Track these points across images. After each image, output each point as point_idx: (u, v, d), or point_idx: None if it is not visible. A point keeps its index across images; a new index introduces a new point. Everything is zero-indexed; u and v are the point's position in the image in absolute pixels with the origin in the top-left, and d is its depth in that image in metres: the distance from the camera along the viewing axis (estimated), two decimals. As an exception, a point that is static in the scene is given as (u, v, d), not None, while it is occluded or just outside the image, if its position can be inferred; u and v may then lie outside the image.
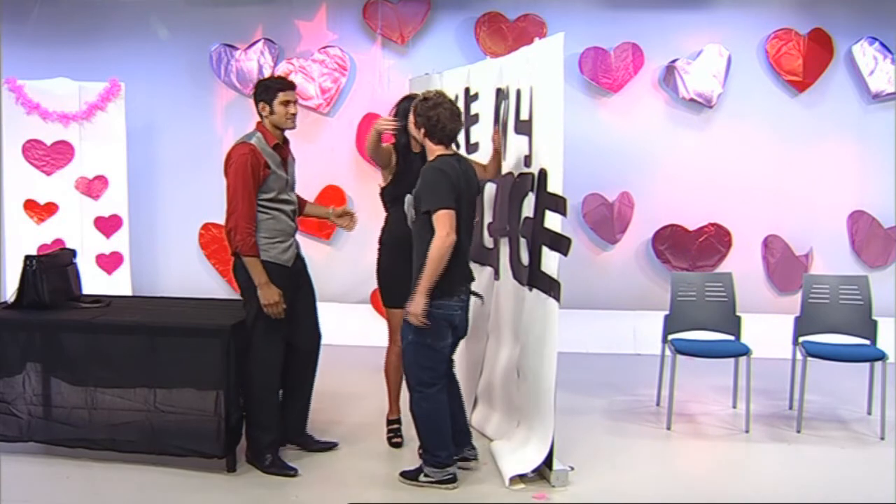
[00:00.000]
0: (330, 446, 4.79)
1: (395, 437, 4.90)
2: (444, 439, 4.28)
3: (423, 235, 4.10)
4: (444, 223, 4.00)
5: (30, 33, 7.74)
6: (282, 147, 4.47)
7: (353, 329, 7.03)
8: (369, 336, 6.58)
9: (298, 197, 4.66)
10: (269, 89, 4.35)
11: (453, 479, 4.27)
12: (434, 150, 4.21)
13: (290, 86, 4.40)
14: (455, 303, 4.18)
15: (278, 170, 4.37)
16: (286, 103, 4.32)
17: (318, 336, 4.72)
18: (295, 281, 4.52)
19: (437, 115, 4.15)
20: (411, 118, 4.26)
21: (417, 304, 4.03)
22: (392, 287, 4.66)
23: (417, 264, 4.13)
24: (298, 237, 4.63)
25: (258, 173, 4.26)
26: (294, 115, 4.37)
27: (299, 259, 4.58)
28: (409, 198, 4.21)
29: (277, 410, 4.56)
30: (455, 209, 4.03)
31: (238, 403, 4.43)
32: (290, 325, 4.46)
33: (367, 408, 5.41)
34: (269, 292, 4.27)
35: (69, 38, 7.72)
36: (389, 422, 4.96)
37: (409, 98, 4.71)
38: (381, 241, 4.76)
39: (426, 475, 4.29)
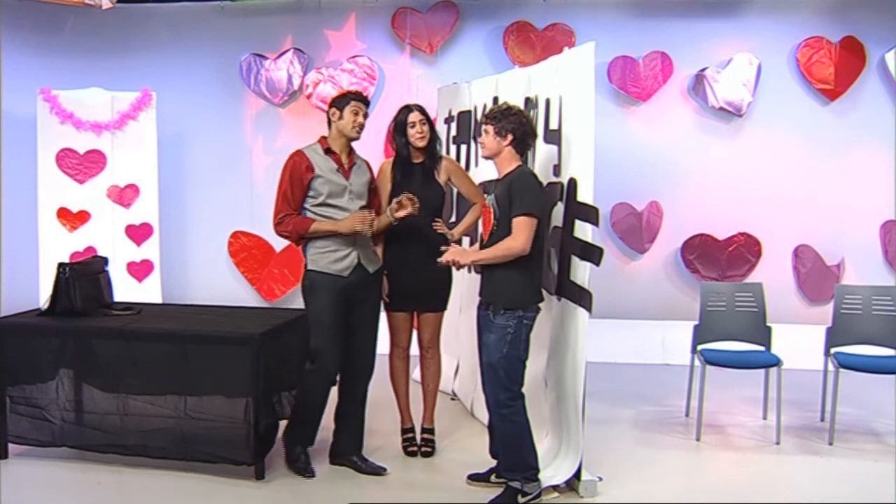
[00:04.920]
0: (379, 471, 4.59)
1: (410, 447, 4.87)
2: (534, 445, 4.16)
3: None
4: (527, 231, 3.92)
5: (64, 44, 7.88)
6: (338, 154, 4.49)
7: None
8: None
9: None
10: (345, 97, 4.51)
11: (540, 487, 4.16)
12: (511, 161, 4.11)
13: (365, 100, 4.52)
14: (534, 315, 4.13)
15: (331, 174, 4.44)
16: (356, 112, 4.45)
17: (367, 359, 4.62)
18: (353, 293, 4.46)
19: (528, 122, 4.13)
20: (488, 128, 4.09)
21: (469, 256, 4.12)
22: (392, 292, 4.70)
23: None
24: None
25: (300, 175, 4.41)
26: (361, 125, 4.47)
27: (361, 270, 4.48)
28: (489, 199, 4.15)
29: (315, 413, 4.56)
30: (539, 219, 3.98)
31: (269, 411, 4.46)
32: (347, 340, 4.49)
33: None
34: (348, 224, 4.35)
35: (102, 48, 7.84)
36: (404, 430, 4.94)
37: (406, 108, 4.71)
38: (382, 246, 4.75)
39: (524, 493, 4.10)
